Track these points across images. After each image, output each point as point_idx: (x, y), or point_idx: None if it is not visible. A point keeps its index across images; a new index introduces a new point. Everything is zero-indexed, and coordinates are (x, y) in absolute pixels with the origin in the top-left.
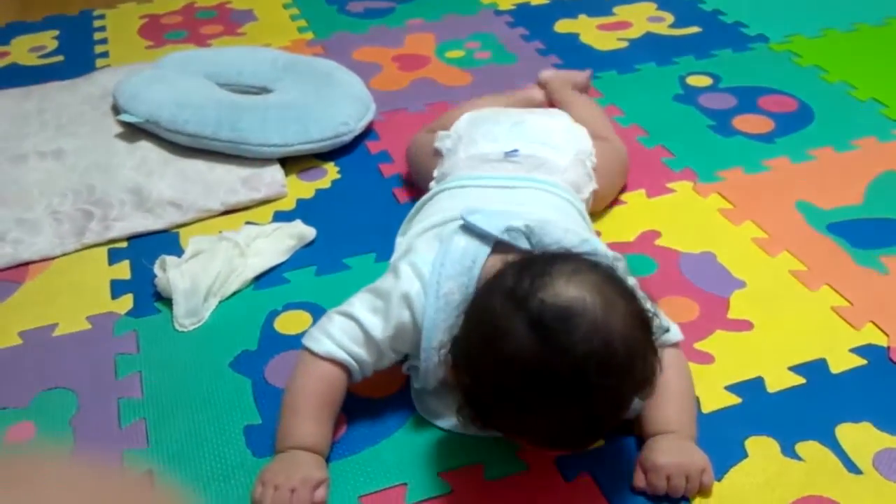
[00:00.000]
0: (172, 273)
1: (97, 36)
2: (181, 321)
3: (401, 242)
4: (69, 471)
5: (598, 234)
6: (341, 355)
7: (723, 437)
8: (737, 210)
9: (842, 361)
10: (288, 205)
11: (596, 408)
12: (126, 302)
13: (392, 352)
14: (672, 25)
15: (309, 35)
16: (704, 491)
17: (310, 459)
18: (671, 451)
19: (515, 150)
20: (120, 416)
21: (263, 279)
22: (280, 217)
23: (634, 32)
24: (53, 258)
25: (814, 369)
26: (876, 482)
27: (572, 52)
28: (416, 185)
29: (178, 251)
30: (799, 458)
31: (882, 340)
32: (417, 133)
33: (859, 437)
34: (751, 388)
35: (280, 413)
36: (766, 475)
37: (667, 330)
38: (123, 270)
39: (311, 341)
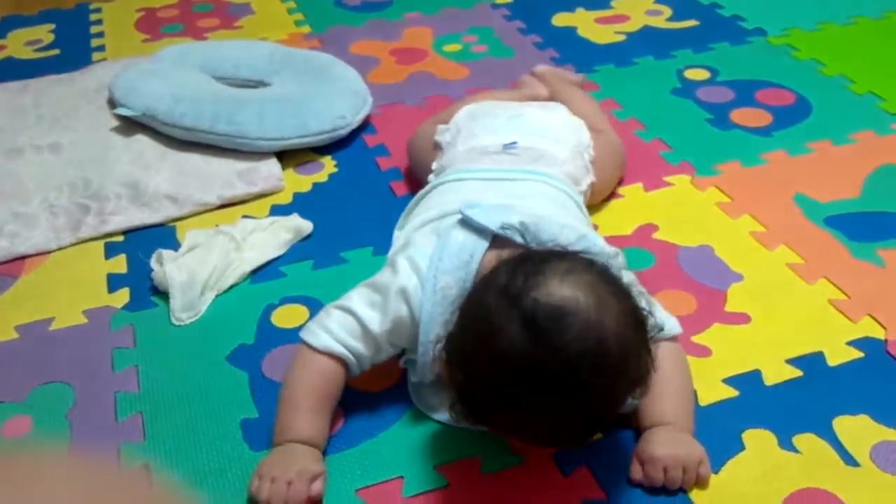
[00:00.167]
0: (169, 267)
1: (93, 30)
2: (178, 315)
3: (398, 236)
4: (66, 467)
5: (596, 227)
6: (339, 349)
7: (720, 430)
8: (734, 203)
9: (839, 354)
10: (285, 198)
11: (589, 407)
12: (122, 296)
13: (389, 346)
14: (670, 19)
15: (306, 28)
16: (701, 483)
17: (306, 452)
18: (668, 444)
19: (514, 143)
20: (116, 410)
21: (260, 273)
22: (277, 211)
23: (632, 26)
24: (49, 252)
25: (811, 362)
26: (873, 474)
27: (570, 46)
28: (413, 179)
29: (174, 245)
30: (796, 451)
31: (879, 333)
32: (421, 124)
33: (856, 429)
34: (748, 381)
35: (277, 407)
36: (764, 468)
37: (661, 329)
38: (120, 264)
39: (309, 335)
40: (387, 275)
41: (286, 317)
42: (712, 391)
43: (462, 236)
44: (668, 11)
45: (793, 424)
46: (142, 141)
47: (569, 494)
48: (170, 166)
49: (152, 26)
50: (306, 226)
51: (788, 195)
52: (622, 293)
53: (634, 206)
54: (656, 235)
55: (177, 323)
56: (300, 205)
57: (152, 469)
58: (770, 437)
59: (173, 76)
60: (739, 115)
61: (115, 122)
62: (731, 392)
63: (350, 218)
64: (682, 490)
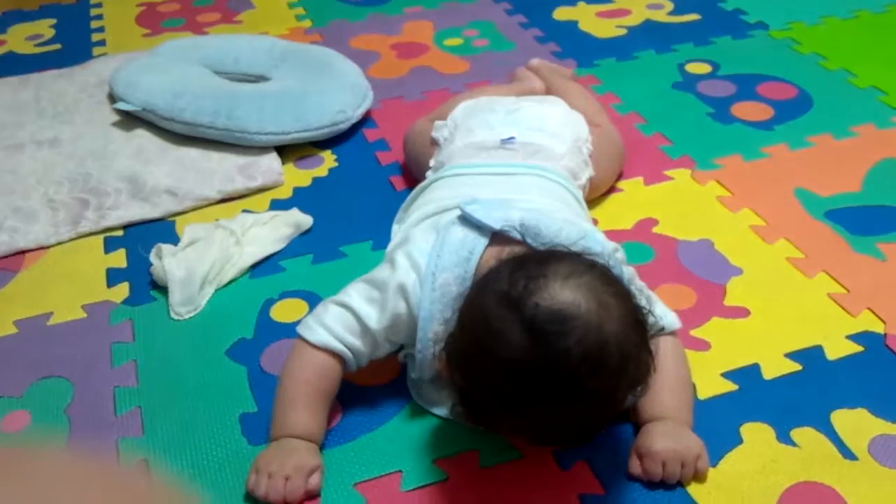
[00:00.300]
0: (168, 261)
1: (94, 24)
2: (177, 310)
3: (397, 230)
4: (65, 463)
5: (596, 221)
6: (336, 345)
7: (719, 424)
8: (735, 197)
9: (838, 348)
10: (284, 193)
11: (590, 409)
12: (122, 290)
13: (387, 342)
14: (671, 13)
15: (307, 23)
16: (700, 477)
17: (303, 447)
18: (667, 438)
19: (512, 138)
20: (115, 405)
21: (259, 267)
22: (277, 205)
23: (633, 20)
24: (49, 247)
25: (810, 356)
26: (871, 468)
27: (571, 40)
28: (413, 174)
29: (173, 239)
30: (794, 445)
31: (879, 327)
32: (416, 121)
33: (855, 423)
34: (747, 375)
35: (274, 401)
36: (762, 461)
37: (661, 328)
38: (119, 259)
39: (306, 330)
40: (385, 271)
41: (285, 311)
42: (711, 385)
43: (461, 233)
44: (669, 5)
45: (791, 418)
46: (142, 135)
47: (567, 488)
48: (169, 161)
49: (153, 21)
50: (306, 220)
51: (789, 189)
52: (623, 295)
53: (634, 200)
54: (656, 229)
55: (176, 317)
56: (300, 199)
57: (151, 463)
58: (769, 430)
59: (173, 71)
60: (740, 109)
61: (115, 117)
62: (730, 386)
63: (350, 212)
64: (681, 484)
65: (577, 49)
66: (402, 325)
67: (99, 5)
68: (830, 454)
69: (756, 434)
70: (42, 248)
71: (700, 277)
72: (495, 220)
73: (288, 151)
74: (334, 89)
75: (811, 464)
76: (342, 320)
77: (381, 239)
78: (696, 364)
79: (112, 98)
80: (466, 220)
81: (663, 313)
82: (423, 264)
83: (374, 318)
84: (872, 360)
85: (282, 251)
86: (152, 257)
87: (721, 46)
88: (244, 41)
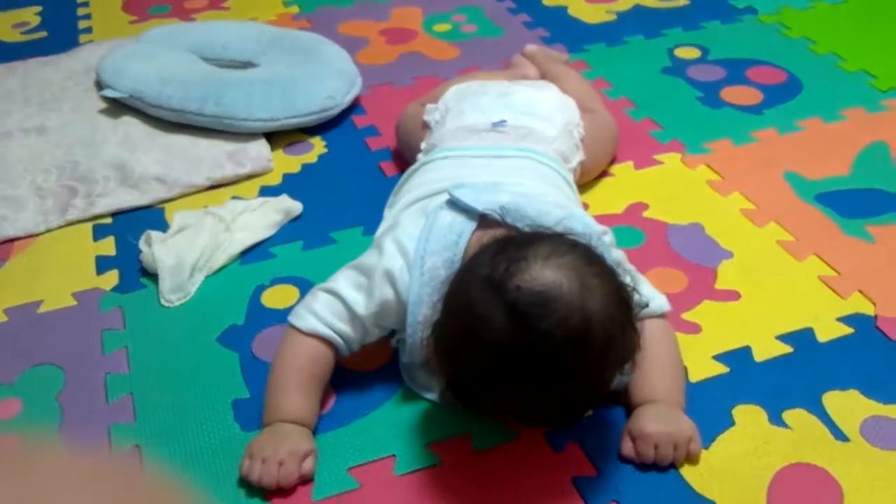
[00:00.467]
0: (158, 248)
1: (80, 11)
2: (167, 297)
3: (388, 215)
4: (63, 461)
5: (587, 206)
6: (326, 331)
7: (710, 406)
8: (725, 181)
9: (829, 330)
10: (274, 179)
11: (577, 389)
12: (111, 278)
13: (377, 328)
14: None
15: (294, 9)
16: (692, 459)
17: (296, 431)
18: (659, 420)
19: (503, 121)
20: (107, 392)
21: (250, 254)
22: (266, 192)
23: (623, 5)
24: (38, 235)
25: (801, 338)
26: (863, 449)
27: (560, 25)
28: (403, 159)
29: (163, 226)
30: (786, 426)
31: (869, 309)
32: (409, 105)
33: (846, 404)
34: (738, 358)
35: (267, 388)
36: (754, 443)
37: (646, 305)
38: (108, 246)
39: (296, 318)
40: (373, 256)
41: (276, 297)
42: (702, 368)
43: (450, 217)
44: None
45: (783, 400)
46: (129, 123)
47: (560, 470)
48: (158, 148)
49: (140, 7)
50: (296, 207)
51: (779, 173)
52: (606, 273)
53: (625, 184)
54: (647, 214)
55: (166, 304)
56: (289, 185)
57: (143, 450)
58: (760, 412)
59: (161, 57)
60: (730, 94)
61: (102, 104)
62: (722, 368)
63: (340, 198)
64: (673, 466)
65: (567, 34)
66: (391, 310)
67: None
68: (822, 435)
69: (748, 416)
70: (31, 236)
71: (691, 261)
72: (482, 204)
73: (277, 138)
74: (323, 75)
75: (803, 445)
76: (330, 307)
77: (371, 225)
78: (687, 347)
79: (99, 85)
80: (455, 204)
81: (653, 296)
82: (412, 249)
83: (361, 304)
84: (863, 342)
85: (272, 238)
86: (142, 245)
87: (710, 31)
88: (232, 27)
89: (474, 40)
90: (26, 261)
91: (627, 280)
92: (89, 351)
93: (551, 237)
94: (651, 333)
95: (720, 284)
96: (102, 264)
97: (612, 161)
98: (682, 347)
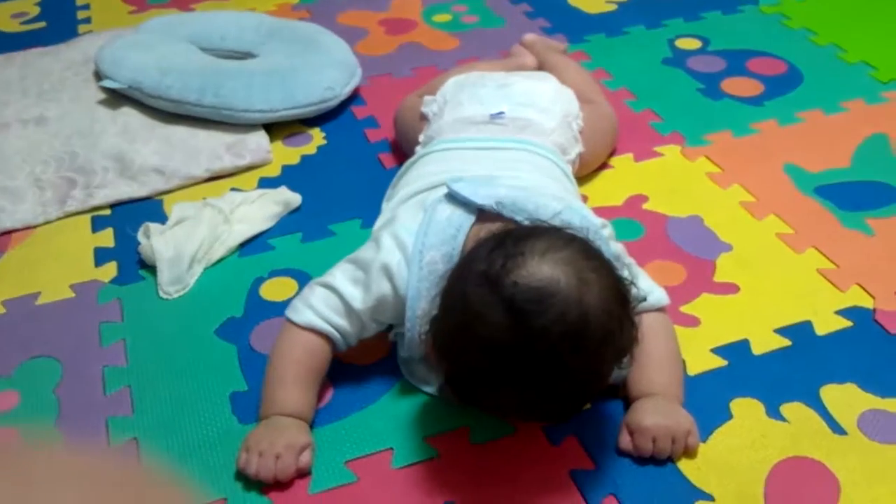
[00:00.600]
0: (156, 240)
1: (79, 1)
2: (166, 289)
3: (386, 208)
4: (60, 460)
5: (586, 198)
6: (323, 325)
7: (708, 399)
8: (724, 173)
9: (827, 323)
10: (273, 171)
11: (575, 384)
12: (110, 270)
13: (374, 322)
14: None
15: None
16: (690, 452)
17: (293, 425)
18: (657, 413)
19: (501, 112)
20: (104, 384)
21: (248, 246)
22: (265, 183)
23: None
24: (36, 226)
25: (799, 331)
26: (860, 443)
27: (560, 15)
28: (402, 151)
29: (161, 218)
30: (784, 420)
31: (868, 302)
32: (406, 97)
33: (844, 398)
34: (736, 351)
35: (264, 381)
36: (752, 436)
37: (643, 299)
38: (107, 238)
39: (293, 312)
40: (370, 251)
41: (275, 290)
42: (701, 361)
43: (448, 211)
44: None
45: (781, 393)
46: (128, 113)
47: (558, 464)
48: (157, 139)
49: None
50: (295, 198)
51: (779, 165)
52: (604, 268)
53: (624, 176)
54: (646, 206)
55: (165, 297)
56: (288, 177)
57: (141, 443)
58: (758, 405)
59: (159, 48)
60: (731, 85)
61: (101, 95)
62: (720, 361)
63: (339, 190)
64: (671, 459)
65: (567, 24)
66: (388, 305)
67: None
68: (820, 429)
69: (745, 409)
70: (29, 227)
71: (690, 254)
72: (480, 197)
73: (276, 129)
74: (322, 66)
75: (800, 439)
76: (327, 301)
77: (369, 217)
78: (685, 340)
79: (98, 76)
80: (453, 197)
81: (651, 289)
82: (410, 243)
83: (358, 298)
84: (861, 335)
85: (271, 229)
86: (140, 236)
87: (711, 22)
88: (231, 18)
89: (474, 31)
90: (24, 252)
91: (625, 274)
92: (87, 343)
93: (548, 231)
94: (650, 327)
95: (719, 277)
96: (101, 256)
97: (612, 153)
98: (681, 340)
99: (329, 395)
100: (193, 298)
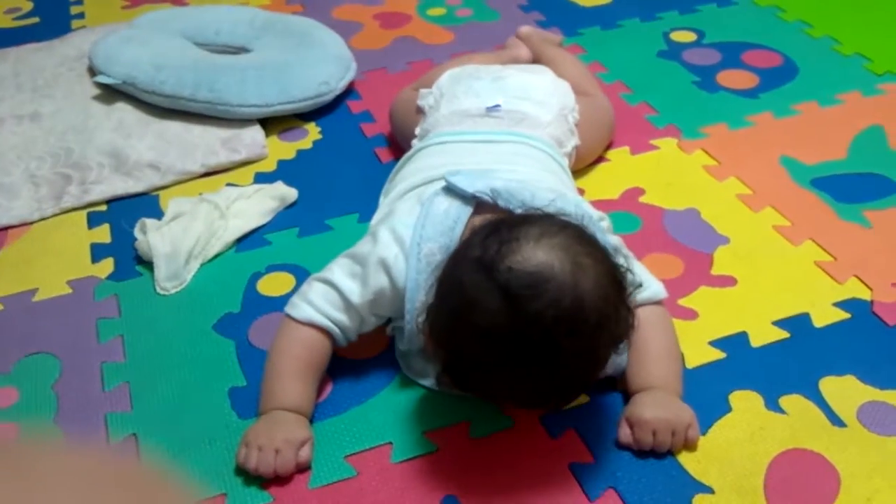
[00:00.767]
0: (153, 236)
1: None
2: (163, 284)
3: (383, 203)
4: (59, 457)
5: (583, 192)
6: (321, 320)
7: (707, 392)
8: (721, 166)
9: (825, 315)
10: (269, 166)
11: (572, 368)
12: (107, 266)
13: (373, 316)
14: None
15: None
16: (690, 446)
17: (293, 419)
18: (657, 407)
19: (497, 105)
20: (103, 380)
21: (245, 241)
22: (261, 178)
23: None
24: (32, 223)
25: (797, 323)
26: (860, 434)
27: (555, 9)
28: (398, 145)
29: (157, 214)
30: (783, 412)
31: (865, 294)
32: (402, 90)
33: (843, 389)
34: (735, 343)
35: (263, 377)
36: (751, 429)
37: (639, 285)
38: (103, 234)
39: (292, 308)
40: (367, 245)
41: (272, 285)
42: (699, 354)
43: (446, 203)
44: None
45: (779, 385)
46: (123, 109)
47: (557, 457)
48: (152, 134)
49: None
50: (291, 193)
51: (775, 157)
52: (598, 253)
53: (621, 169)
54: (643, 199)
55: (162, 292)
56: (284, 172)
57: (140, 439)
58: (757, 398)
59: (153, 43)
60: (726, 77)
61: (95, 91)
62: (718, 354)
63: (335, 185)
64: (670, 453)
65: (562, 18)
66: (386, 298)
67: None
68: (819, 421)
69: (744, 402)
70: (25, 224)
71: (687, 246)
72: (476, 188)
73: (271, 124)
74: (317, 60)
75: (799, 431)
76: (326, 296)
77: (366, 211)
78: (683, 333)
79: (92, 71)
80: (451, 190)
81: (649, 282)
82: (408, 237)
83: (356, 292)
84: (859, 327)
85: (267, 224)
86: (136, 232)
87: (706, 14)
88: (224, 12)
89: (469, 24)
90: (21, 249)
91: (620, 260)
92: (85, 339)
93: (543, 218)
94: (647, 320)
95: (716, 270)
96: (97, 252)
97: (609, 146)
98: (679, 333)
99: (328, 389)
100: (190, 294)
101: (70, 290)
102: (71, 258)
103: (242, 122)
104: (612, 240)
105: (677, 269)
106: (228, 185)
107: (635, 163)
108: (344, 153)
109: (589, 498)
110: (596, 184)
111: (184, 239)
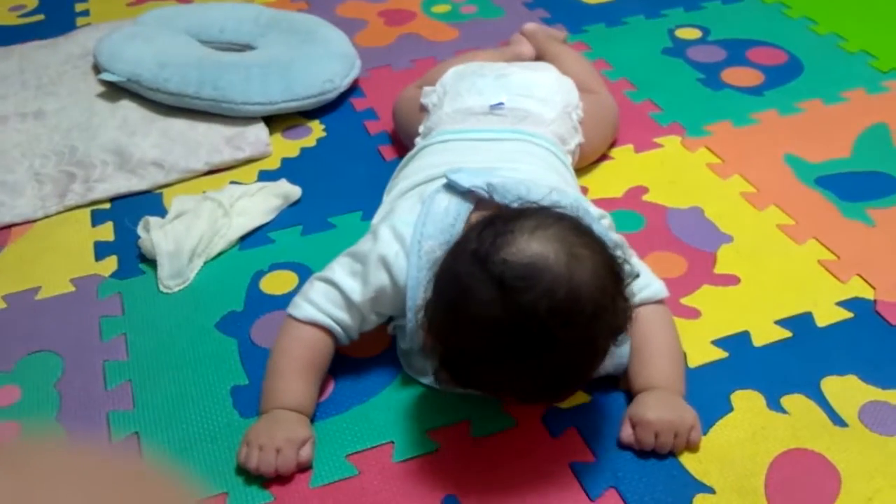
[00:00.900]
0: (156, 234)
1: None
2: (166, 283)
3: (386, 201)
4: (61, 455)
5: (585, 189)
6: (323, 319)
7: (709, 392)
8: (725, 164)
9: (828, 315)
10: (273, 164)
11: (569, 359)
12: (110, 264)
13: (374, 314)
14: None
15: None
16: (692, 447)
17: (294, 419)
18: (661, 407)
19: (501, 103)
20: (105, 379)
21: (248, 239)
22: (265, 176)
23: None
24: (36, 220)
25: (800, 323)
26: (861, 434)
27: (560, 6)
28: (402, 143)
29: (161, 212)
30: (784, 412)
31: (868, 293)
32: (405, 88)
33: (845, 389)
34: (737, 343)
35: (265, 376)
36: (752, 428)
37: (637, 276)
38: (107, 232)
39: (294, 308)
40: (367, 244)
41: (275, 283)
42: (701, 353)
43: (446, 200)
44: None
45: (781, 385)
46: (127, 107)
47: (558, 456)
48: (156, 132)
49: None
50: (294, 191)
51: (779, 155)
52: (595, 244)
53: (624, 167)
54: (646, 197)
55: (165, 290)
56: (288, 170)
57: (142, 437)
58: (759, 397)
59: (158, 40)
60: (731, 75)
61: (100, 88)
62: (721, 353)
63: (339, 183)
64: (672, 454)
65: (567, 15)
66: (387, 297)
67: None
68: (820, 421)
69: (746, 401)
70: (29, 222)
71: (690, 245)
72: (472, 183)
73: (275, 122)
74: (322, 58)
75: (801, 431)
76: (327, 295)
77: (370, 209)
78: (686, 332)
79: (96, 69)
80: (451, 187)
81: (650, 281)
82: (408, 235)
83: (357, 291)
84: (862, 327)
85: (271, 223)
86: (140, 230)
87: (711, 11)
88: (229, 9)
89: (474, 21)
90: (24, 247)
91: (617, 252)
92: (88, 338)
93: (538, 211)
94: (649, 319)
95: (720, 269)
96: (101, 250)
97: (612, 144)
98: (681, 332)
99: (330, 388)
100: (194, 292)
101: (73, 288)
102: (74, 256)
103: (246, 119)
104: (615, 238)
105: (680, 268)
106: (232, 182)
107: (639, 161)
108: (348, 151)
109: (590, 497)
110: (599, 182)
111: (187, 237)
